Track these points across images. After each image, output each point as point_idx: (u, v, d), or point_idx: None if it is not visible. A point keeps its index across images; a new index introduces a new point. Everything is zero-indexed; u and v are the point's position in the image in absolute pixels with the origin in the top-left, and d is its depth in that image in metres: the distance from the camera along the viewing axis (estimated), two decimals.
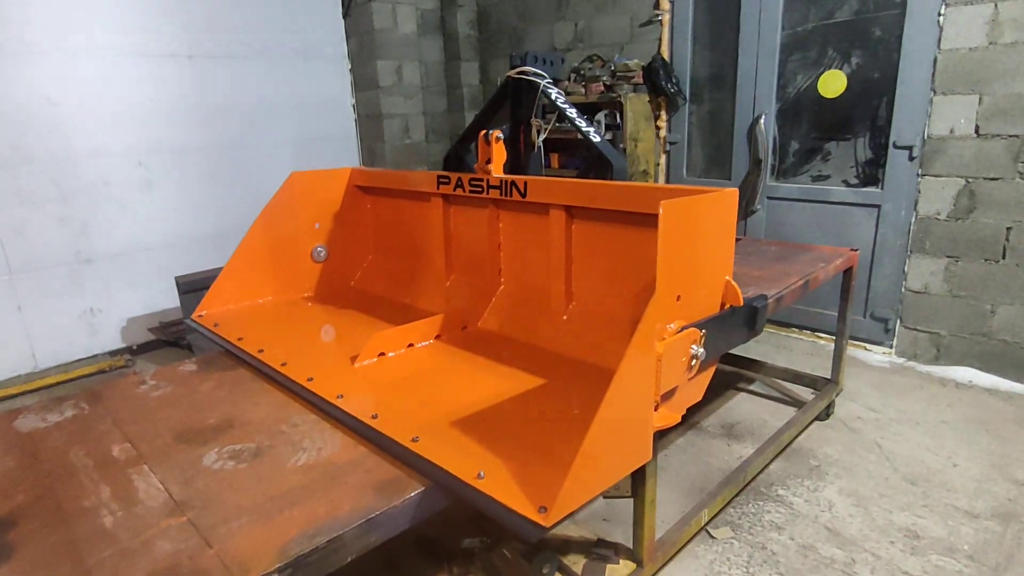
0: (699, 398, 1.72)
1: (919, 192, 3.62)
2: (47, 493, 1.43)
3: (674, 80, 4.48)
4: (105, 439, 1.66)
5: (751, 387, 3.58)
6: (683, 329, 1.55)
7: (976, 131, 3.36)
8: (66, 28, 3.99)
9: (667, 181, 4.81)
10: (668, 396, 1.57)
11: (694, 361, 1.58)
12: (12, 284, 4.01)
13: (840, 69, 3.86)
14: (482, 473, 1.38)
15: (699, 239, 1.61)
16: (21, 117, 3.90)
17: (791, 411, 3.21)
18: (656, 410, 1.53)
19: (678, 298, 1.55)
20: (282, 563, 1.17)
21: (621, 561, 2.06)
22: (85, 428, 1.73)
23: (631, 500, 1.96)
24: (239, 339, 2.25)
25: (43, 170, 4.03)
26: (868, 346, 4.00)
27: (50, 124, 4.02)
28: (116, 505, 1.37)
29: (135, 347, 4.50)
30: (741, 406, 3.38)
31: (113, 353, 4.43)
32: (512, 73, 2.29)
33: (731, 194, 1.68)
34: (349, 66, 5.50)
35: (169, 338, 4.46)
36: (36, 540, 1.27)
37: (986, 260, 3.45)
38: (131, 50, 4.28)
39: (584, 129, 2.17)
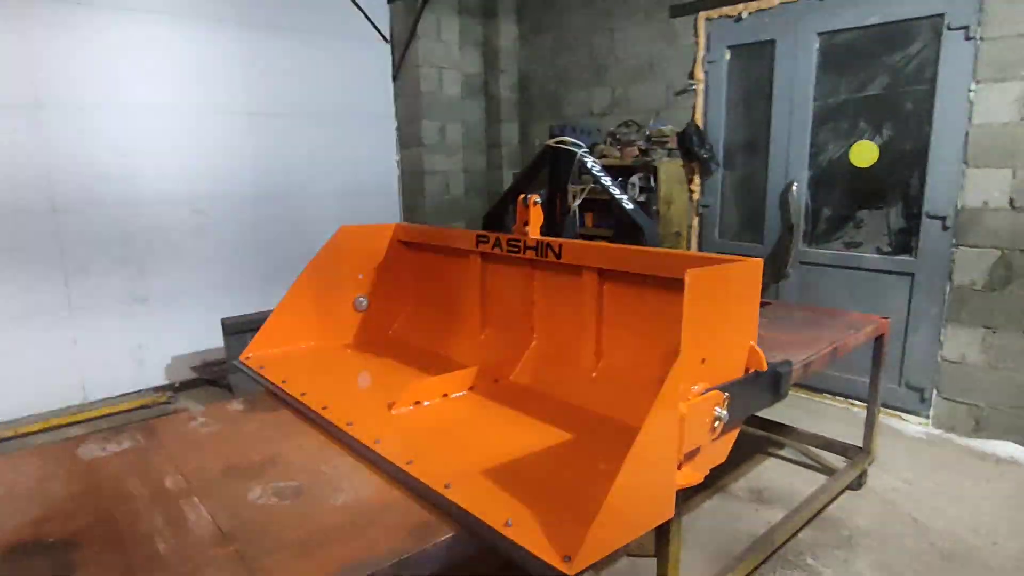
0: (723, 459, 1.76)
1: (953, 262, 3.63)
2: (107, 517, 1.54)
3: (708, 146, 4.62)
4: (159, 470, 1.78)
5: (781, 452, 3.55)
6: (707, 391, 1.62)
7: (1011, 204, 3.39)
8: (135, 83, 4.36)
9: (699, 243, 4.89)
10: (692, 455, 1.62)
11: (717, 423, 1.63)
12: (72, 319, 4.26)
13: (872, 140, 3.95)
14: (510, 521, 1.44)
15: (724, 306, 1.69)
16: (92, 165, 4.23)
17: (822, 478, 3.17)
18: (679, 468, 1.58)
19: (703, 361, 1.62)
20: None
21: None
22: (141, 459, 1.85)
23: (655, 560, 1.98)
24: (283, 382, 2.37)
25: (109, 213, 4.34)
26: (904, 415, 3.93)
27: (118, 172, 4.34)
28: (169, 533, 1.47)
29: (177, 384, 4.68)
30: (770, 471, 3.35)
31: (157, 389, 4.62)
32: (551, 142, 2.44)
33: (755, 264, 1.76)
34: (396, 125, 5.81)
35: (210, 377, 4.64)
36: (97, 561, 1.37)
37: None
38: (196, 106, 4.63)
39: (617, 197, 2.29)
